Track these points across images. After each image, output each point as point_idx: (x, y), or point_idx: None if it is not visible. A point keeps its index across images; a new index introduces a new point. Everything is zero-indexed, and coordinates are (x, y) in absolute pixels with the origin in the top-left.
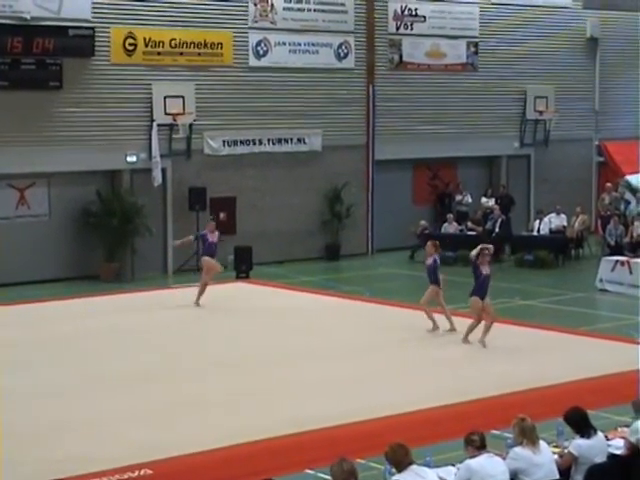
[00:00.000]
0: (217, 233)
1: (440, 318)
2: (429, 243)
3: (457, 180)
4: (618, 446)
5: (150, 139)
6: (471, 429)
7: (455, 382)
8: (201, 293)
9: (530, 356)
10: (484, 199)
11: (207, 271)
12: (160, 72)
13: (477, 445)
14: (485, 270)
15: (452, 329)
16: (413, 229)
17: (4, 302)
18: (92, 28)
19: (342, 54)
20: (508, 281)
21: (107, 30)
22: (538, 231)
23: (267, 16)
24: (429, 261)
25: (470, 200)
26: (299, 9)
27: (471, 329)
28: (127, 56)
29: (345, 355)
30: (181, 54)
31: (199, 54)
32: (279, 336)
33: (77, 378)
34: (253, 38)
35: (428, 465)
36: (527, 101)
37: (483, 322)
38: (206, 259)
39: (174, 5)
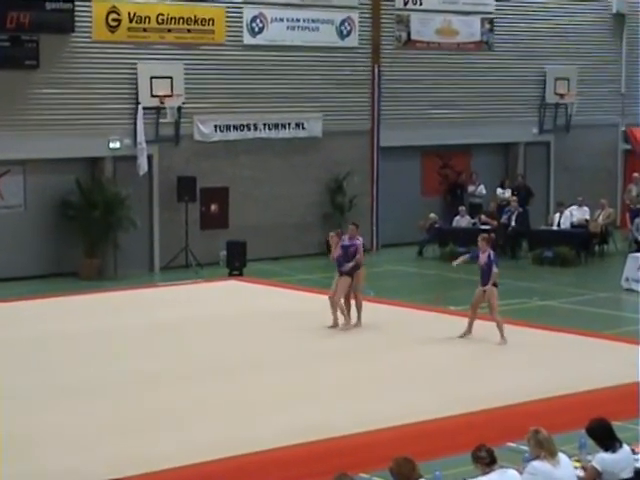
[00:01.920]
0: (360, 240)
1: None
2: (332, 234)
3: (470, 169)
4: None
5: (135, 124)
6: (483, 441)
7: (467, 390)
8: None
9: (549, 361)
10: (499, 190)
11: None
12: (146, 50)
13: (486, 462)
14: (482, 259)
15: (346, 323)
16: (421, 222)
17: None
18: (72, 1)
19: (345, 31)
20: (526, 280)
21: (88, 4)
22: (558, 225)
23: None
24: (336, 252)
25: (484, 191)
26: None
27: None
28: (110, 33)
29: (346, 360)
30: (169, 31)
31: (189, 31)
32: (274, 339)
33: (47, 385)
34: (248, 13)
35: None
36: (547, 83)
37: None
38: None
39: None
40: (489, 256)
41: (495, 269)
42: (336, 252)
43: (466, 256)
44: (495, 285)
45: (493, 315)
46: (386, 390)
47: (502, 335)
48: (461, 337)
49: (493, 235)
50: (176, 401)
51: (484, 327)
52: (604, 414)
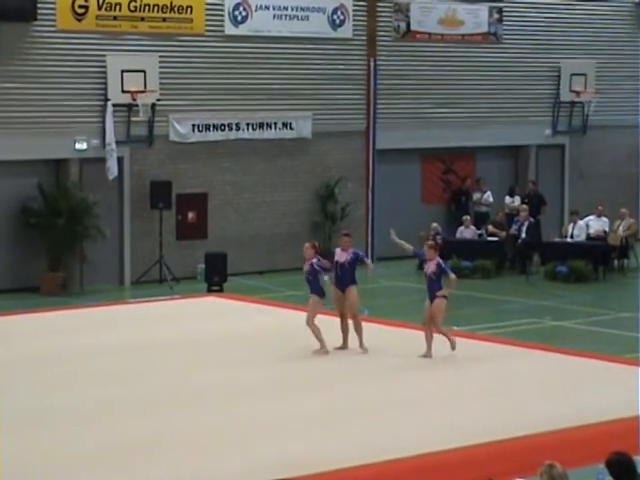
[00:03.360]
0: (351, 250)
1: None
2: (307, 245)
3: (475, 175)
4: None
5: (104, 122)
6: (490, 476)
7: (471, 419)
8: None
9: (563, 388)
10: (508, 198)
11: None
12: (117, 41)
13: None
14: (429, 267)
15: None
16: (423, 234)
17: None
18: None
19: (338, 21)
20: (537, 297)
21: None
22: (572, 237)
23: None
24: (306, 267)
25: (491, 199)
26: None
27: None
28: (77, 21)
29: (337, 386)
30: (142, 19)
31: (164, 20)
32: (257, 362)
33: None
34: (230, 1)
35: None
36: (562, 79)
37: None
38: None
39: None
40: (438, 265)
41: (452, 275)
42: (306, 265)
43: (410, 248)
44: (445, 297)
45: (437, 327)
46: (383, 420)
47: (452, 344)
48: (424, 357)
49: (440, 241)
50: (143, 432)
51: (485, 349)
52: (624, 447)
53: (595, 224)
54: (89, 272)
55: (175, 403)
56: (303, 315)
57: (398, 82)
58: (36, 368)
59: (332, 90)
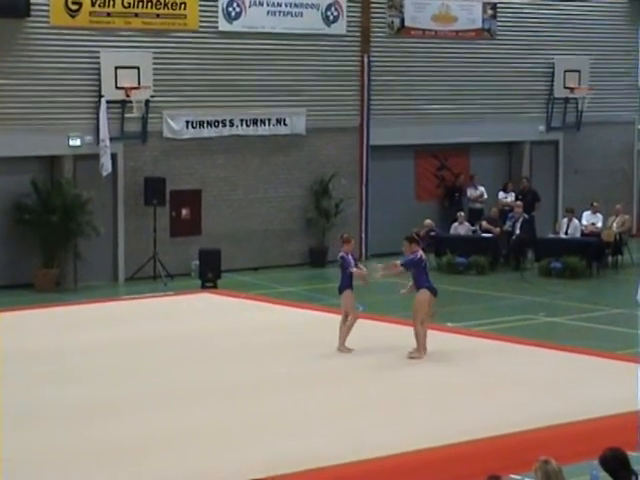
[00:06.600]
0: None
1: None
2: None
3: (469, 171)
4: None
5: (97, 119)
6: (485, 472)
7: (465, 416)
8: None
9: (557, 384)
10: (502, 194)
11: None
12: (110, 37)
13: None
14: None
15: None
16: (416, 230)
17: None
18: None
19: (331, 17)
20: (531, 293)
21: None
22: (567, 233)
23: None
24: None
25: (485, 195)
26: None
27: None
28: (70, 17)
29: (332, 383)
30: (136, 15)
31: (158, 16)
32: (251, 360)
33: None
34: None
35: None
36: (555, 75)
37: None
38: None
39: None
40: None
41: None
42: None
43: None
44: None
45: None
46: (379, 416)
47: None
48: (412, 357)
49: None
50: (137, 429)
51: (479, 345)
52: (618, 443)
53: (589, 220)
54: (83, 268)
55: (168, 400)
56: (297, 311)
57: (392, 78)
58: (29, 365)
59: (326, 86)
